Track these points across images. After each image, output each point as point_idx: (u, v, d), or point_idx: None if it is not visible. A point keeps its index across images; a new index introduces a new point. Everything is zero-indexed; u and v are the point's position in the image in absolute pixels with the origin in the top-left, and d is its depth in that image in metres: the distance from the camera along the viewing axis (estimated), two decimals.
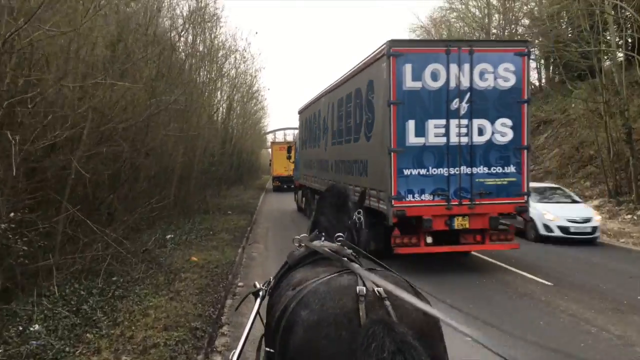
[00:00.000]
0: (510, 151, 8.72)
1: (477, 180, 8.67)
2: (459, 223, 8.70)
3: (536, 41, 31.54)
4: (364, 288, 2.07)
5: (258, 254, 11.62)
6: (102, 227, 8.35)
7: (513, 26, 33.73)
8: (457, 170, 8.62)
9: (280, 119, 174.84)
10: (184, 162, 17.03)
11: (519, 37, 33.16)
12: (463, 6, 38.00)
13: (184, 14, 16.23)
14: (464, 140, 8.62)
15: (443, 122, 8.57)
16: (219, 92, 24.99)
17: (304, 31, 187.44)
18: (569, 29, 25.76)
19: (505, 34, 33.42)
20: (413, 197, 8.58)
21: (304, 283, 2.30)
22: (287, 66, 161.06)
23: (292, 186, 24.19)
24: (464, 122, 8.60)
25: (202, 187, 21.46)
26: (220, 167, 26.21)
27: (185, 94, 14.88)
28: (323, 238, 2.91)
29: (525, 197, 8.88)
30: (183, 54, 17.13)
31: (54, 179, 7.84)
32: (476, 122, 8.63)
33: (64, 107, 7.63)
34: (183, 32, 14.99)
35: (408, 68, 8.42)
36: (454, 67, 8.51)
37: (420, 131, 8.52)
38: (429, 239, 8.90)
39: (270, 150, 43.25)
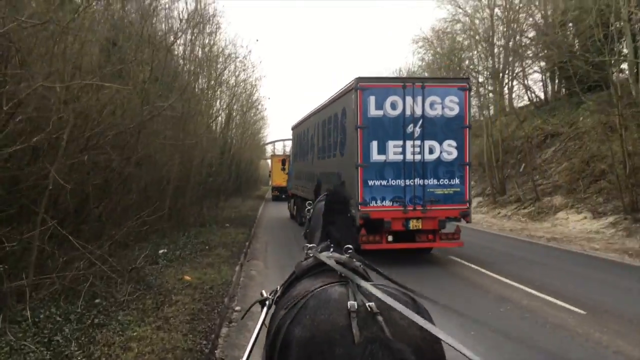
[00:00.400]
0: (455, 167, 10.51)
1: (428, 190, 10.45)
2: (413, 224, 10.43)
3: (540, 54, 31.08)
4: (355, 303, 2.00)
5: (257, 272, 10.76)
6: (86, 242, 7.54)
7: (518, 38, 33.21)
8: (411, 182, 10.40)
9: (280, 129, 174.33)
10: (180, 172, 16.28)
11: (523, 48, 32.64)
12: (467, 18, 37.53)
13: (182, 16, 15.57)
14: (417, 157, 10.41)
15: (400, 142, 10.33)
16: (217, 101, 24.33)
17: (305, 41, 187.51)
18: (576, 40, 25.18)
19: (510, 45, 32.85)
20: (376, 203, 10.28)
21: (297, 297, 2.24)
22: (288, 76, 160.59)
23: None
24: (417, 142, 10.38)
25: (199, 199, 20.66)
26: (218, 178, 25.46)
27: (181, 100, 14.17)
28: (332, 249, 2.83)
29: (468, 204, 10.72)
30: (181, 60, 16.47)
31: (31, 189, 7.05)
32: (427, 143, 10.42)
33: (51, 110, 6.86)
34: (180, 35, 14.30)
35: (372, 99, 10.18)
36: (409, 99, 10.28)
37: (382, 150, 10.26)
38: (390, 238, 10.58)
39: (269, 161, 46.46)
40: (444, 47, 43.18)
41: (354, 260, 2.66)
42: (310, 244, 3.16)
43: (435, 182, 10.42)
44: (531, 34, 32.23)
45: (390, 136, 10.24)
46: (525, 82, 35.00)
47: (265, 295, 2.89)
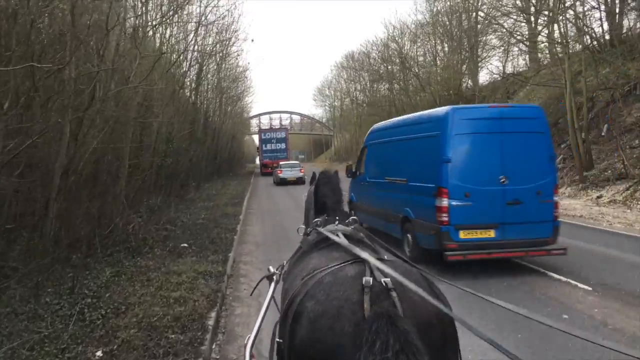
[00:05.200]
0: (284, 150, 49.27)
1: (277, 156, 47.32)
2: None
3: None
4: (371, 279, 1.99)
5: None
6: None
7: None
8: (275, 154, 48.20)
9: (267, 100, 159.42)
10: (104, 150, 8.31)
11: None
12: None
13: None
14: (276, 147, 49.72)
15: (271, 144, 49.84)
16: (180, 39, 15.96)
17: (293, 10, 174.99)
18: None
19: None
20: (267, 159, 48.02)
21: (313, 272, 2.25)
22: (276, 35, 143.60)
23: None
24: (275, 145, 50.04)
25: (144, 194, 12.63)
26: (183, 158, 17.41)
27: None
28: (337, 222, 2.89)
29: (287, 159, 45.45)
30: None
31: None
32: (277, 143, 50.01)
33: None
34: None
35: (263, 135, 51.15)
36: (273, 133, 52.30)
37: (267, 146, 49.59)
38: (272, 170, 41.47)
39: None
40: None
41: (359, 232, 2.79)
42: (306, 223, 3.32)
43: (279, 154, 47.32)
44: None
45: (268, 143, 49.17)
46: (577, 22, 26.37)
47: (272, 270, 3.03)
